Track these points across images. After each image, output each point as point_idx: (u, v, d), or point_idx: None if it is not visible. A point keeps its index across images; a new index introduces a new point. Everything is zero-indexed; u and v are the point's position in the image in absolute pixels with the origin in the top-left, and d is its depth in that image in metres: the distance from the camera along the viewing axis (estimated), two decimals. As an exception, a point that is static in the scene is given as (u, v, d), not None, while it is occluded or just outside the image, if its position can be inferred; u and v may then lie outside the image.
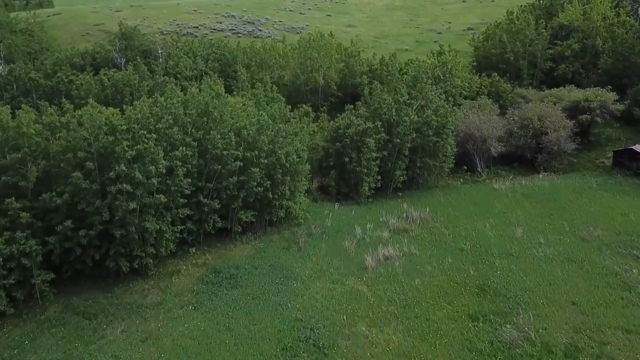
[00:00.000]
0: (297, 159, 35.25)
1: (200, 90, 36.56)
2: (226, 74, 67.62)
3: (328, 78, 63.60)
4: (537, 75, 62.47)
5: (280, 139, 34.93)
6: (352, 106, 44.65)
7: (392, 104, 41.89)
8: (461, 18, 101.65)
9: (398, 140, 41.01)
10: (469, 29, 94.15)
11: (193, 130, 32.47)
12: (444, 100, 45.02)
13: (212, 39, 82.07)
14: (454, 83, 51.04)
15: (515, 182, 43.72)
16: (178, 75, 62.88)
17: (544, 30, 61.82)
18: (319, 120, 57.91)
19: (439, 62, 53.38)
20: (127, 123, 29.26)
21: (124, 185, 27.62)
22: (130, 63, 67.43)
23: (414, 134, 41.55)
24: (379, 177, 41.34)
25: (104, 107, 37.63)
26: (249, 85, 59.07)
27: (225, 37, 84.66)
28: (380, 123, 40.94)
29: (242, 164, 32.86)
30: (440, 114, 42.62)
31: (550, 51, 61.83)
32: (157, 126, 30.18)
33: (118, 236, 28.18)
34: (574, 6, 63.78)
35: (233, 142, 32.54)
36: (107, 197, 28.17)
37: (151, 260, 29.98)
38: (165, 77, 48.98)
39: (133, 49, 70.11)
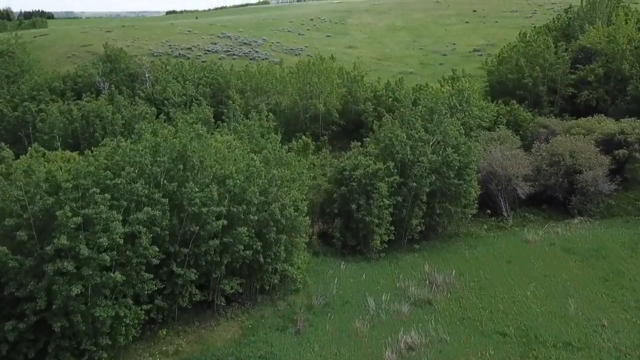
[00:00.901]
0: (295, 213, 27.90)
1: (177, 131, 29.20)
2: (218, 100, 60.63)
3: (329, 104, 56.65)
4: (557, 102, 55.59)
5: (275, 188, 27.63)
6: (359, 143, 37.42)
7: (407, 140, 34.73)
8: (465, 39, 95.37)
9: (414, 184, 33.69)
10: (475, 50, 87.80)
11: (165, 181, 25.18)
12: (464, 135, 37.94)
13: (205, 61, 75.30)
14: (472, 113, 44.00)
15: (549, 230, 36.42)
16: (165, 102, 55.96)
17: (564, 54, 55.10)
18: (319, 154, 51.01)
19: (453, 89, 46.35)
20: (75, 178, 21.92)
21: (65, 263, 20.27)
22: (108, 89, 60.62)
23: (433, 177, 34.32)
24: (392, 228, 34.01)
25: (60, 150, 30.63)
26: (242, 114, 52.10)
27: (220, 59, 77.96)
28: (393, 164, 33.76)
29: (226, 222, 25.50)
30: (462, 152, 35.45)
31: (572, 76, 55.07)
32: (114, 181, 22.80)
33: (57, 330, 20.75)
34: (596, 27, 57.08)
35: (215, 196, 25.25)
36: (44, 278, 20.81)
37: (105, 355, 22.45)
38: (145, 107, 41.85)
39: (118, 72, 63.21)
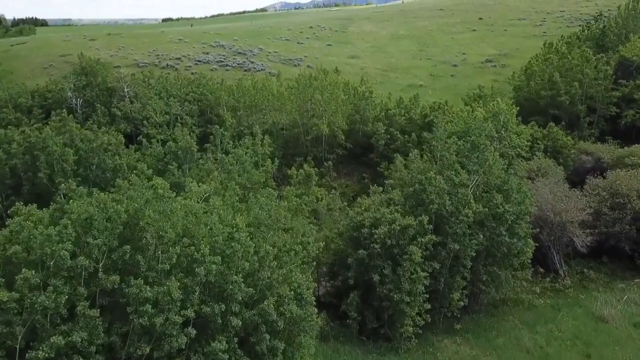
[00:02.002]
0: (299, 309, 18.55)
1: (126, 198, 19.47)
2: (207, 119, 51.21)
3: (334, 125, 47.36)
4: (596, 123, 46.60)
5: (267, 273, 18.36)
6: (380, 188, 28.05)
7: (444, 186, 25.47)
8: (475, 48, 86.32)
9: (455, 246, 24.49)
10: (488, 61, 78.74)
11: (102, 276, 15.88)
12: (510, 173, 28.75)
13: (195, 73, 65.87)
14: (512, 142, 34.78)
15: (629, 302, 27.25)
16: (145, 122, 46.59)
17: (606, 67, 46.06)
18: (324, 180, 42.04)
19: (486, 111, 37.05)
20: None
21: None
22: (82, 106, 51.13)
23: (480, 235, 25.09)
24: (427, 305, 24.71)
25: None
26: (234, 136, 42.72)
27: (212, 70, 68.64)
28: (427, 217, 24.53)
29: (194, 332, 16.32)
30: (515, 200, 26.24)
31: (616, 93, 46.06)
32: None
33: None
34: (641, 37, 48.23)
35: (177, 294, 16.02)
36: None
37: None
38: (110, 135, 32.26)
39: (94, 86, 53.75)
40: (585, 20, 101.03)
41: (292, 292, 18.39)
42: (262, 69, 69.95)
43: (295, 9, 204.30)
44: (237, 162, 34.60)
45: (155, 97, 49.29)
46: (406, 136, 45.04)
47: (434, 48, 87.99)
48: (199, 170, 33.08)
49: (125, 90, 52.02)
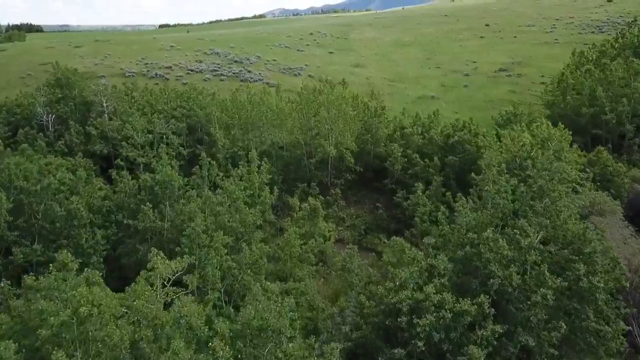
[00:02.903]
0: None
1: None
2: (197, 139, 43.71)
3: (342, 145, 39.96)
4: (643, 143, 39.34)
5: None
6: (420, 253, 20.40)
7: (507, 252, 17.97)
8: (485, 56, 79.09)
9: (530, 341, 17.03)
10: (501, 69, 71.49)
11: None
12: (586, 225, 21.32)
13: (186, 83, 58.37)
14: (570, 176, 27.30)
15: None
16: (124, 143, 38.97)
17: (656, 80, 38.84)
18: (330, 209, 35.02)
19: (534, 138, 29.44)
20: None
21: None
22: (53, 123, 43.57)
23: (562, 325, 17.61)
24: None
25: None
26: (223, 167, 35.17)
27: (205, 80, 61.20)
28: (488, 297, 17.15)
29: None
30: (601, 267, 18.81)
31: (668, 110, 38.81)
32: None
33: None
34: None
35: None
36: None
37: None
38: (65, 172, 24.44)
39: (69, 100, 46.08)
40: (597, 27, 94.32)
41: None
42: (259, 79, 62.56)
43: (294, 15, 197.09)
44: (227, 199, 27.20)
45: (137, 113, 41.71)
46: (426, 160, 37.65)
47: (442, 56, 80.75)
48: (180, 213, 25.60)
49: (104, 104, 44.40)
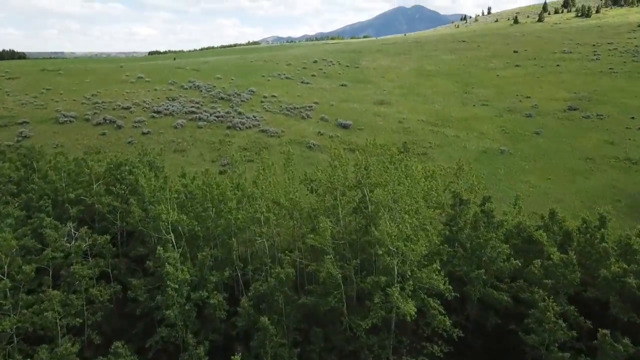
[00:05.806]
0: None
1: None
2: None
3: (422, 291, 18.13)
4: None
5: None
6: None
7: None
8: (537, 90, 58.13)
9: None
10: (570, 108, 50.67)
11: None
12: None
13: (147, 133, 36.43)
14: None
15: None
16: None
17: None
18: None
19: None
20: None
21: None
22: None
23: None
24: None
25: None
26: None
27: (175, 127, 39.41)
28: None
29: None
30: None
31: None
32: None
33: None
34: None
35: None
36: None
37: None
38: None
39: None
40: (647, 53, 74.87)
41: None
42: (254, 125, 40.62)
43: (288, 42, 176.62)
44: None
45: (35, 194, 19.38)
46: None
47: (481, 89, 59.79)
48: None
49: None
